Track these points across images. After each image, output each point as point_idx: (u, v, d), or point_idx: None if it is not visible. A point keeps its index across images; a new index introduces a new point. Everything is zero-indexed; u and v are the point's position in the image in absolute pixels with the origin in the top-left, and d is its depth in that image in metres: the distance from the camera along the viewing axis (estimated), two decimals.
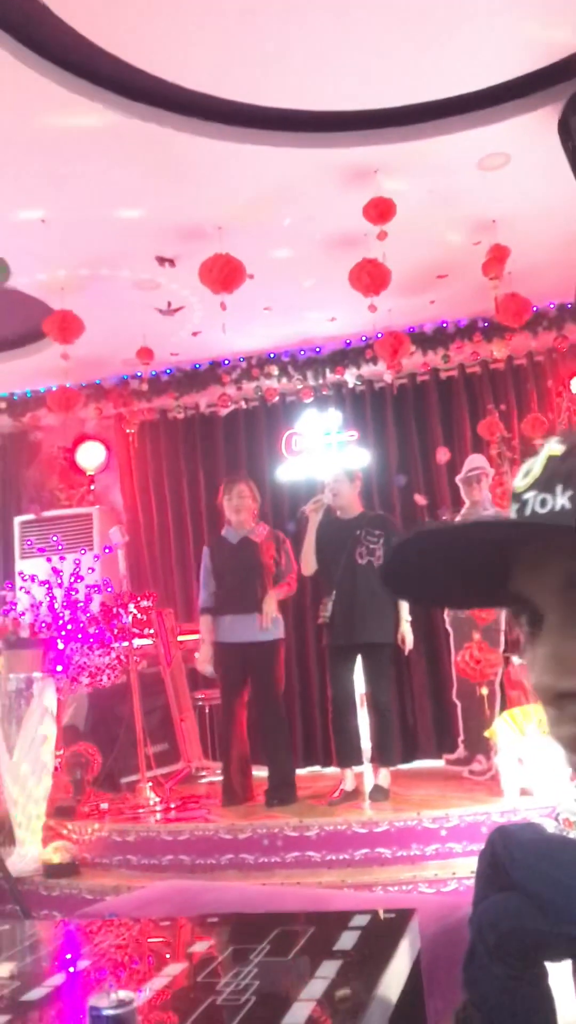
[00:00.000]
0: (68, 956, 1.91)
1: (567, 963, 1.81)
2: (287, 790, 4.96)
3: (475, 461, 5.89)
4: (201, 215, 4.62)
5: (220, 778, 5.29)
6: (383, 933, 1.72)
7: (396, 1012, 1.53)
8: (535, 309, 5.43)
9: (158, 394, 6.93)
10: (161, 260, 5.05)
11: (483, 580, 0.68)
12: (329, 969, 1.53)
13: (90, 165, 4.13)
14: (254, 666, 5.02)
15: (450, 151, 4.20)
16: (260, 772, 5.27)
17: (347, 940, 1.68)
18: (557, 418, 5.56)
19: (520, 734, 4.47)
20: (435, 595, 0.69)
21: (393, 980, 1.55)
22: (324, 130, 4.02)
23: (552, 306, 6.14)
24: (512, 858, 1.84)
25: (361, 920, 1.78)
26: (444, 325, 6.40)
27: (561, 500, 0.61)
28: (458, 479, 5.98)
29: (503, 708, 4.99)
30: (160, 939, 1.94)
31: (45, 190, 4.31)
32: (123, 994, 1.13)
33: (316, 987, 1.45)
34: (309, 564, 5.12)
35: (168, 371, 6.85)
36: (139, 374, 6.75)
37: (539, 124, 4.00)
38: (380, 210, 4.29)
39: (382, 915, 1.82)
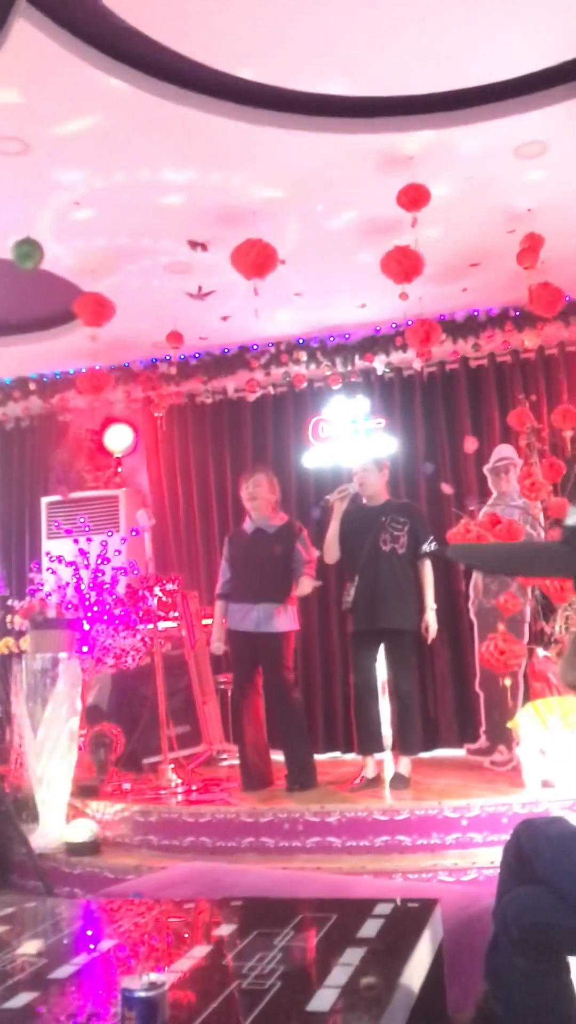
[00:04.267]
0: (94, 935, 1.94)
1: None
2: (307, 775, 4.98)
3: (503, 451, 5.86)
4: (235, 200, 4.61)
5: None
6: (406, 922, 1.74)
7: (418, 1000, 1.54)
8: (568, 299, 5.37)
9: (186, 378, 6.95)
10: (193, 244, 5.05)
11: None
12: (353, 956, 1.55)
13: (124, 148, 4.13)
14: (263, 656, 5.04)
15: (487, 139, 4.16)
16: (280, 756, 5.30)
17: (370, 928, 1.70)
18: None
19: (543, 726, 4.46)
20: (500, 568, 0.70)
21: (416, 969, 1.56)
22: (360, 116, 3.98)
23: None
24: (538, 852, 1.86)
25: (384, 908, 1.80)
26: (475, 313, 6.35)
27: (572, 517, 0.62)
28: (486, 469, 5.96)
29: (526, 699, 4.98)
30: (185, 920, 1.96)
31: (79, 172, 4.31)
32: (154, 976, 1.15)
33: (340, 975, 1.47)
34: (332, 552, 5.12)
35: (197, 355, 6.85)
36: (168, 357, 6.76)
37: None
38: (414, 197, 4.25)
39: (405, 904, 1.83)
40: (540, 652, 5.05)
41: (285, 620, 5.05)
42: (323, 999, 1.37)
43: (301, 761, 5.04)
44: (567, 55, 3.73)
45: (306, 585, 5.03)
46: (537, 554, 0.64)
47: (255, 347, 6.75)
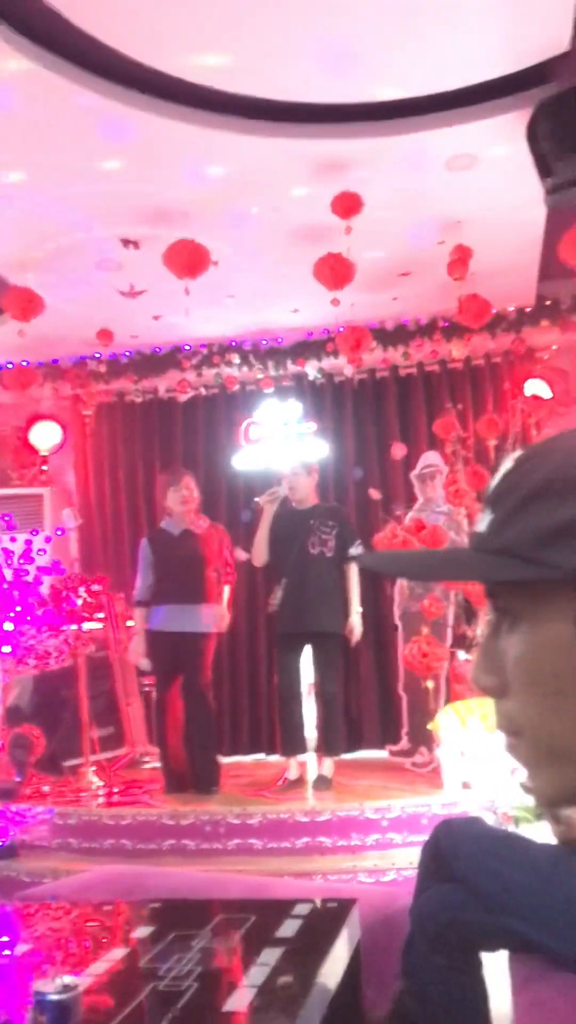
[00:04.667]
0: (9, 940, 1.90)
1: (502, 954, 1.86)
2: (211, 780, 4.95)
3: (429, 458, 5.96)
4: (169, 199, 4.58)
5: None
6: (324, 922, 1.75)
7: (334, 999, 1.56)
8: (494, 311, 5.49)
9: (116, 376, 6.87)
10: (126, 242, 5.01)
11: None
12: (271, 956, 1.56)
13: (58, 141, 4.07)
14: (184, 656, 5.02)
15: (419, 149, 4.22)
16: None
17: (289, 928, 1.71)
18: (511, 420, 5.63)
19: (463, 728, 4.55)
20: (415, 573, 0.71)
21: (333, 968, 1.58)
22: (296, 121, 4.01)
23: (511, 309, 6.22)
24: (456, 851, 1.89)
25: (303, 908, 1.81)
26: (405, 323, 6.44)
27: (483, 523, 0.63)
28: (412, 475, 6.05)
29: (448, 702, 5.06)
30: (102, 923, 1.94)
31: (11, 166, 4.24)
32: (68, 979, 1.14)
33: (258, 974, 1.47)
34: (260, 555, 5.14)
35: (128, 354, 6.79)
36: (98, 355, 6.68)
37: (508, 128, 4.04)
38: (347, 204, 4.30)
39: (324, 904, 1.85)
40: (461, 655, 5.14)
41: (208, 621, 5.03)
42: (239, 999, 1.37)
43: (207, 765, 5.02)
44: (500, 71, 3.82)
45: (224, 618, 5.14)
46: (449, 560, 0.66)
47: (187, 347, 6.72)
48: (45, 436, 7.26)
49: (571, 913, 1.67)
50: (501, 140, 4.15)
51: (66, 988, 1.12)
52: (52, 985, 1.12)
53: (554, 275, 5.78)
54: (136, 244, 5.02)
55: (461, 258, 4.83)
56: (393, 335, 6.45)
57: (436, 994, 1.80)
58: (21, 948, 1.77)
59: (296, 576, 4.97)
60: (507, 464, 0.64)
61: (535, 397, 6.14)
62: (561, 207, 3.91)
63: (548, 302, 6.16)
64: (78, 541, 5.78)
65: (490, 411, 6.24)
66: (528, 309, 6.22)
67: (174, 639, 5.00)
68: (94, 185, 4.46)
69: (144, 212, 4.71)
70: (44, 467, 7.25)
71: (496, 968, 1.93)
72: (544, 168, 3.96)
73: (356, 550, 5.08)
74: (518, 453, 0.65)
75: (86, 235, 4.97)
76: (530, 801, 3.97)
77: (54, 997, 1.11)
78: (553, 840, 1.85)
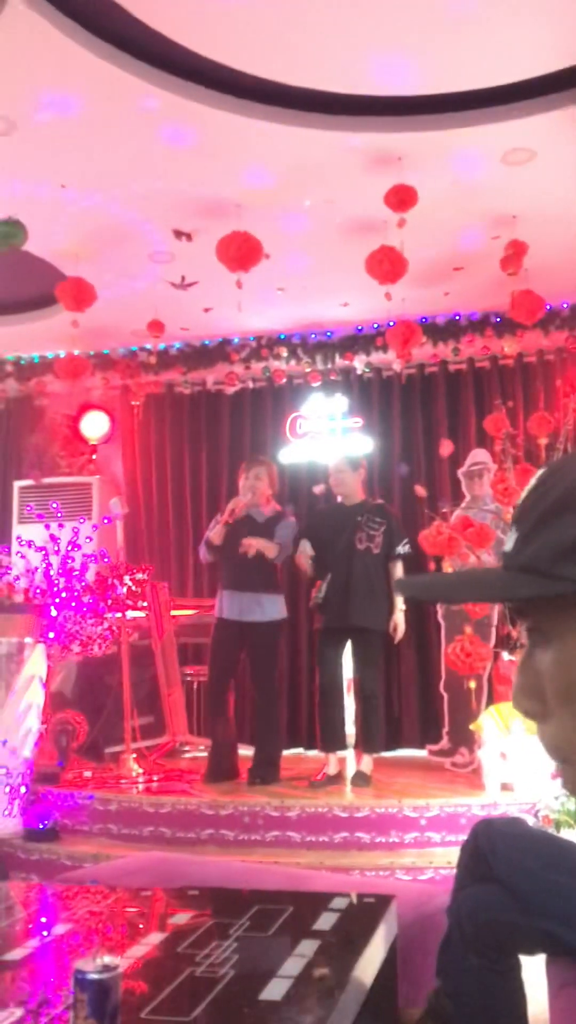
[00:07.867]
0: (48, 920, 1.93)
1: (540, 957, 1.84)
2: (271, 770, 4.99)
3: (478, 456, 5.90)
4: (222, 191, 4.60)
5: (204, 754, 5.31)
6: (362, 916, 1.75)
7: (370, 994, 1.55)
8: (548, 307, 5.41)
9: (166, 368, 6.91)
10: (178, 234, 5.03)
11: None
12: (307, 948, 1.56)
13: (114, 134, 4.10)
14: (252, 646, 5.03)
15: (475, 143, 4.18)
16: (245, 751, 5.30)
17: (326, 921, 1.71)
18: (563, 419, 5.55)
19: (505, 729, 4.50)
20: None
21: (369, 963, 1.57)
22: (351, 113, 3.99)
23: (565, 306, 6.12)
24: (495, 851, 1.87)
25: (341, 902, 1.81)
26: (457, 318, 6.37)
27: (510, 542, 0.62)
28: (460, 473, 6.00)
29: (490, 702, 5.02)
30: (141, 908, 1.96)
31: (67, 156, 4.28)
32: (108, 959, 1.15)
33: (294, 965, 1.48)
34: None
35: (177, 345, 6.83)
36: (148, 347, 6.73)
37: (566, 122, 3.98)
38: (401, 197, 4.27)
39: (362, 899, 1.84)
40: (505, 656, 5.09)
41: (272, 609, 5.01)
42: (276, 989, 1.37)
43: (270, 756, 5.04)
44: (558, 64, 3.76)
45: (265, 546, 4.94)
46: (476, 580, 0.66)
47: (236, 340, 6.74)
48: (95, 425, 7.35)
49: None
50: (559, 135, 4.09)
51: (106, 968, 1.13)
52: (93, 964, 1.13)
53: None
54: (189, 236, 5.04)
55: (515, 253, 4.77)
56: (444, 330, 6.39)
57: (472, 995, 1.79)
58: (60, 928, 1.80)
59: (341, 571, 4.95)
60: (532, 482, 0.64)
61: None
62: None
63: None
64: (124, 530, 5.82)
65: (541, 409, 6.15)
66: None
67: (234, 628, 5.01)
68: (149, 178, 4.49)
69: (197, 204, 4.73)
70: (93, 456, 7.34)
71: (534, 971, 1.91)
72: None
73: (403, 548, 5.05)
74: (542, 470, 0.64)
75: (139, 227, 5.00)
76: (572, 805, 3.92)
77: (94, 976, 1.12)
78: None
